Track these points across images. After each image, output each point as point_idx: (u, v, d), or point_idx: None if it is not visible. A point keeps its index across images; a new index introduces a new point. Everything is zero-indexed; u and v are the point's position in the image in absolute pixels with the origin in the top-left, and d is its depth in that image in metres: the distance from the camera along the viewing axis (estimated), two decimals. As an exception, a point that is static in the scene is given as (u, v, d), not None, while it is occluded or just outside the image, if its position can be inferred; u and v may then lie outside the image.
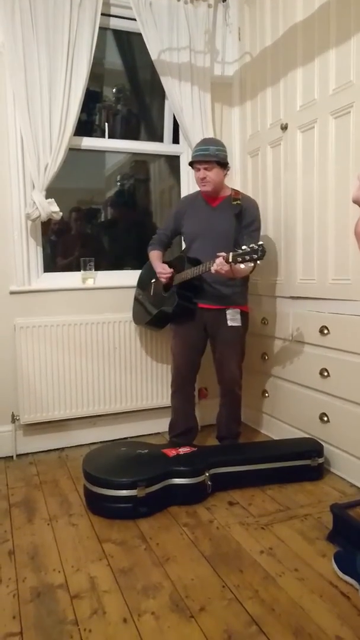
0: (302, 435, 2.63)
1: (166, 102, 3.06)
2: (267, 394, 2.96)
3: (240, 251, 2.11)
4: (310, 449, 2.38)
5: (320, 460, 2.38)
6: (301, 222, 2.56)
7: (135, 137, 3.24)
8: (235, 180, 3.15)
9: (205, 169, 2.39)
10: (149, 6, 2.78)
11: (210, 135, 2.95)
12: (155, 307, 2.64)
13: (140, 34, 2.80)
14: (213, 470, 2.25)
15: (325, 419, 2.45)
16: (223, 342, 2.51)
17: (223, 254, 2.16)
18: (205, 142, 2.46)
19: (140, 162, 3.28)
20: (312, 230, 2.47)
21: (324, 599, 1.55)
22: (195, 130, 2.93)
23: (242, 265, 2.14)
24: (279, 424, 2.87)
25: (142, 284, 2.87)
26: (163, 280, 2.56)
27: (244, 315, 2.53)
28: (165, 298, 2.57)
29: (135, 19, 2.78)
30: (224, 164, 2.43)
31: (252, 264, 2.14)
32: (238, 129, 3.14)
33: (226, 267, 2.15)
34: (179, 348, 2.60)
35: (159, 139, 3.18)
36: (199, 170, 2.41)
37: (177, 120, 2.97)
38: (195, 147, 2.46)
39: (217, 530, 1.97)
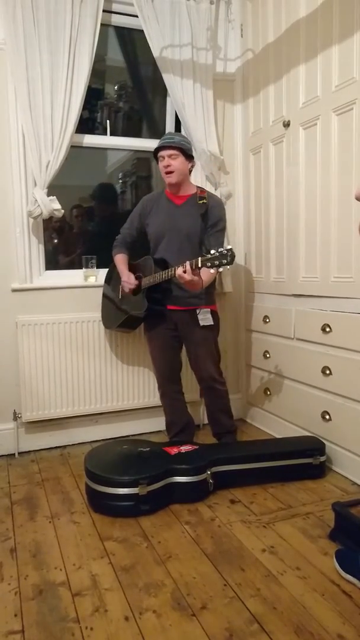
0: (304, 433, 2.63)
1: (168, 99, 3.05)
2: (269, 392, 2.96)
3: (209, 256, 2.05)
4: (312, 447, 2.38)
5: (322, 458, 2.38)
6: (304, 220, 2.55)
7: (137, 134, 3.23)
8: (238, 177, 3.15)
9: (170, 156, 2.35)
10: (151, 2, 2.76)
11: (213, 133, 2.95)
12: (125, 310, 2.59)
13: (142, 31, 2.79)
14: (215, 468, 2.25)
15: (327, 417, 2.45)
16: (196, 343, 2.49)
17: (187, 263, 2.10)
18: (170, 133, 2.48)
19: (142, 159, 3.27)
20: (314, 229, 2.46)
21: (325, 597, 1.55)
22: (198, 127, 2.91)
23: (211, 270, 2.12)
24: (280, 422, 2.87)
25: (110, 286, 2.81)
26: (127, 291, 2.54)
27: (214, 314, 2.50)
28: (135, 302, 2.54)
29: (137, 16, 2.76)
30: (188, 156, 2.40)
31: (221, 269, 2.07)
32: (240, 126, 3.12)
33: (188, 277, 2.10)
34: (156, 351, 2.59)
35: (161, 136, 3.14)
36: (163, 159, 2.37)
37: (179, 118, 2.96)
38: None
39: (218, 529, 1.97)
